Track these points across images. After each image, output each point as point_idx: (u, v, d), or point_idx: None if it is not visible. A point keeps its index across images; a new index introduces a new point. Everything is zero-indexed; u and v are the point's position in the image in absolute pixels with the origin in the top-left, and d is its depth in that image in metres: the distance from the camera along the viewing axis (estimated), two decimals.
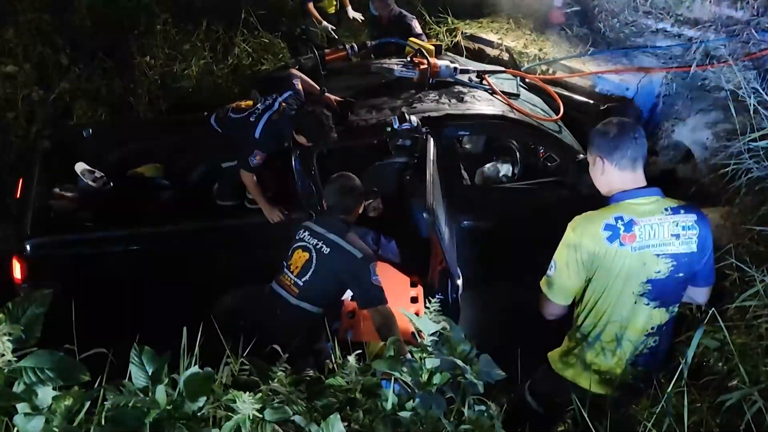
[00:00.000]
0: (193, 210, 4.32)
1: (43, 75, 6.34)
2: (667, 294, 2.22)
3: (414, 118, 3.79)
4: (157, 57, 6.59)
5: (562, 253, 2.25)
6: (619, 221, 2.13)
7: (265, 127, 3.84)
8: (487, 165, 4.79)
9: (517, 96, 4.60)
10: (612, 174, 2.21)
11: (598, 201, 4.23)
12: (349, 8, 6.74)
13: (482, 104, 4.28)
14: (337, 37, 6.25)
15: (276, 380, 1.72)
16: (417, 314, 3.47)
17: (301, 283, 3.07)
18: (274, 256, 3.29)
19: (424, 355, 1.49)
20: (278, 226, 3.91)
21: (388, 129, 3.76)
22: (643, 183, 2.21)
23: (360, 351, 2.13)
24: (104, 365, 1.93)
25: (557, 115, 4.61)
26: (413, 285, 3.83)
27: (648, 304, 2.21)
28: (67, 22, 6.71)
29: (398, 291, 3.69)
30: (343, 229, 3.13)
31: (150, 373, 1.50)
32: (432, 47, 4.71)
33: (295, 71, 4.22)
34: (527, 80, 5.10)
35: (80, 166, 4.48)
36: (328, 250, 3.06)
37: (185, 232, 4.01)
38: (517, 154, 4.78)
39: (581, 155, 4.30)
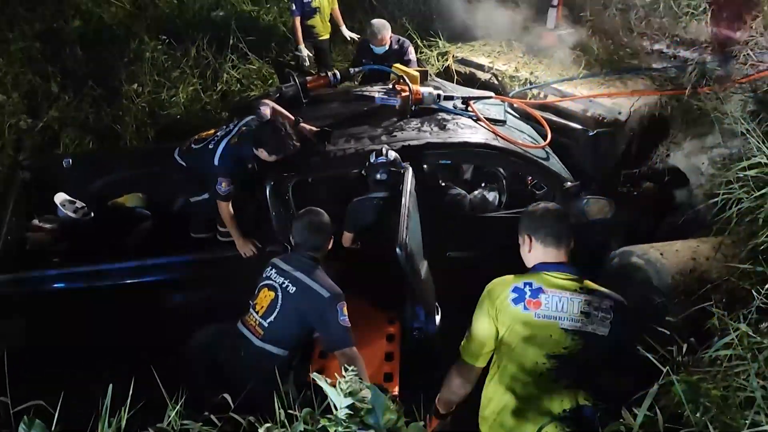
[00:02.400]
0: (169, 242, 4.27)
1: (32, 103, 6.36)
2: (576, 375, 2.24)
3: (392, 153, 3.73)
4: (145, 84, 6.62)
5: (476, 312, 2.35)
6: (528, 286, 2.26)
7: (224, 153, 3.78)
8: (474, 193, 4.69)
9: (503, 122, 4.51)
10: (538, 250, 2.34)
11: (587, 228, 4.16)
12: (343, 27, 6.73)
13: (465, 132, 4.19)
14: (308, 67, 6.20)
15: None
16: (392, 354, 3.42)
17: (266, 324, 2.98)
18: (248, 291, 3.20)
19: (339, 429, 1.38)
20: (253, 261, 3.83)
21: (366, 164, 3.72)
22: (564, 260, 2.33)
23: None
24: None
25: (545, 141, 4.51)
26: (391, 322, 3.71)
27: (556, 381, 2.22)
28: (57, 51, 6.76)
29: (373, 328, 3.58)
30: (311, 266, 3.04)
31: None
32: (417, 74, 4.64)
33: (266, 100, 4.16)
34: (515, 105, 5.01)
35: (60, 197, 4.46)
36: (294, 289, 2.96)
37: (159, 266, 3.93)
38: (504, 181, 4.69)
39: (569, 183, 4.21)
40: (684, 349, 2.45)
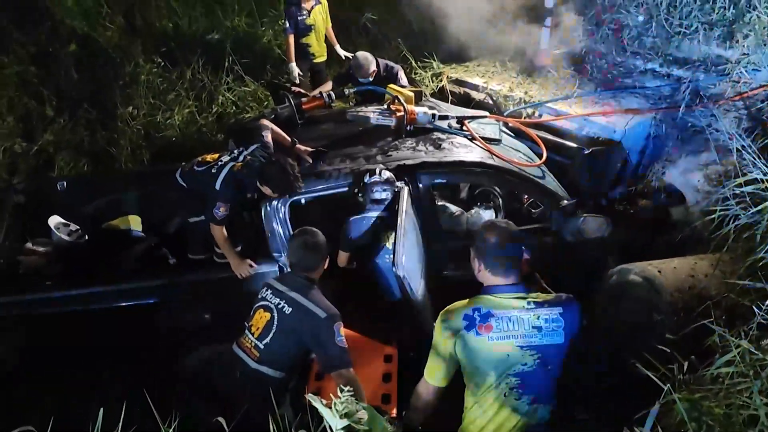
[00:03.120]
0: (166, 264, 4.25)
1: (27, 127, 6.36)
2: (539, 389, 2.35)
3: (385, 172, 3.74)
4: (141, 107, 6.64)
5: (434, 336, 2.40)
6: (476, 312, 2.32)
7: (225, 178, 3.79)
8: (470, 211, 4.69)
9: (498, 141, 4.52)
10: (486, 274, 2.41)
11: (583, 248, 4.14)
12: (337, 46, 6.76)
13: (461, 151, 4.20)
14: (298, 85, 6.21)
15: None
16: (390, 375, 3.39)
17: (262, 346, 2.94)
18: (245, 313, 3.18)
19: None
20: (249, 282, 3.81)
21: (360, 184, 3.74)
22: (512, 281, 2.38)
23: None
24: None
25: (540, 159, 4.52)
26: (388, 342, 3.67)
27: (519, 399, 2.33)
28: (52, 74, 6.77)
29: (371, 349, 3.55)
30: (307, 287, 3.02)
31: None
32: (411, 94, 4.66)
33: (265, 122, 4.17)
34: (510, 125, 5.03)
35: (54, 220, 4.43)
36: (290, 309, 2.94)
37: (153, 288, 3.90)
38: (500, 200, 4.69)
39: (565, 201, 4.21)
40: (685, 367, 2.43)
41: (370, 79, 5.32)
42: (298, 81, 6.39)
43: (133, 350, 3.62)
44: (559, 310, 2.33)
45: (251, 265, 3.82)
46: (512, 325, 2.30)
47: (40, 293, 3.82)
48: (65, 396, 3.30)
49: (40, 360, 3.62)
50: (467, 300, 2.41)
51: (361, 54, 5.42)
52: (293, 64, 6.43)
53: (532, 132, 4.88)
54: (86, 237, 4.42)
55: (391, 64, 5.56)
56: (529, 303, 2.34)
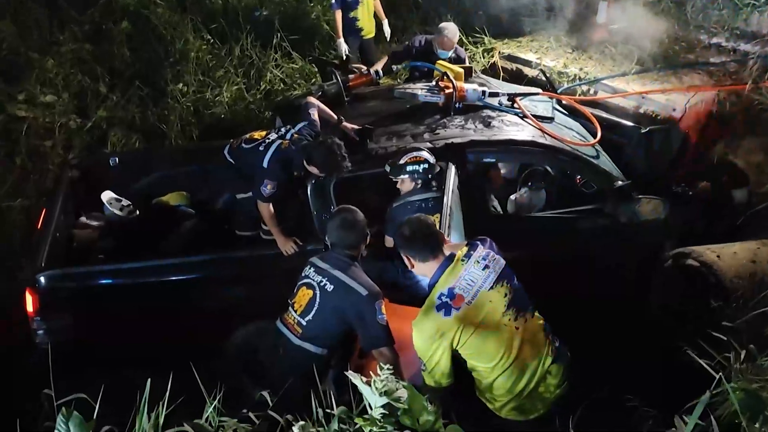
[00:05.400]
0: (214, 239, 4.34)
1: (82, 103, 6.56)
2: (524, 298, 2.70)
3: (424, 154, 3.68)
4: (190, 84, 6.73)
5: (422, 349, 2.61)
6: (442, 296, 2.58)
7: (273, 156, 3.82)
8: (520, 192, 4.63)
9: (551, 119, 4.43)
10: (420, 266, 2.70)
11: (638, 231, 4.05)
12: (385, 22, 6.70)
13: (511, 129, 4.14)
14: (347, 60, 6.16)
15: None
16: None
17: (305, 323, 2.99)
18: (288, 290, 3.22)
19: (374, 428, 1.37)
20: (294, 259, 3.85)
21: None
22: (443, 258, 2.66)
23: None
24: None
25: (595, 138, 4.41)
26: None
27: (524, 314, 2.65)
28: (106, 52, 6.95)
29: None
30: (348, 264, 3.03)
31: None
32: (461, 70, 4.59)
33: (312, 99, 4.18)
34: (564, 102, 4.92)
35: (107, 195, 4.57)
36: (332, 287, 2.97)
37: (204, 263, 3.99)
38: (552, 180, 4.61)
39: (620, 182, 4.11)
40: (742, 356, 2.35)
41: (449, 53, 5.23)
42: (344, 57, 6.37)
43: (181, 325, 3.73)
44: (478, 245, 2.71)
45: (296, 243, 3.86)
46: (470, 280, 2.60)
47: (92, 266, 3.95)
48: (115, 367, 3.42)
49: (92, 333, 3.77)
50: (427, 299, 2.63)
51: (451, 25, 5.30)
52: (341, 40, 6.41)
53: (587, 110, 4.76)
54: (137, 212, 4.55)
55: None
56: (462, 259, 2.65)
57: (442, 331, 2.53)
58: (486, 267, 2.64)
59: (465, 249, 2.71)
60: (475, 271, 2.62)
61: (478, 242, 2.75)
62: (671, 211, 4.10)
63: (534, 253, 3.82)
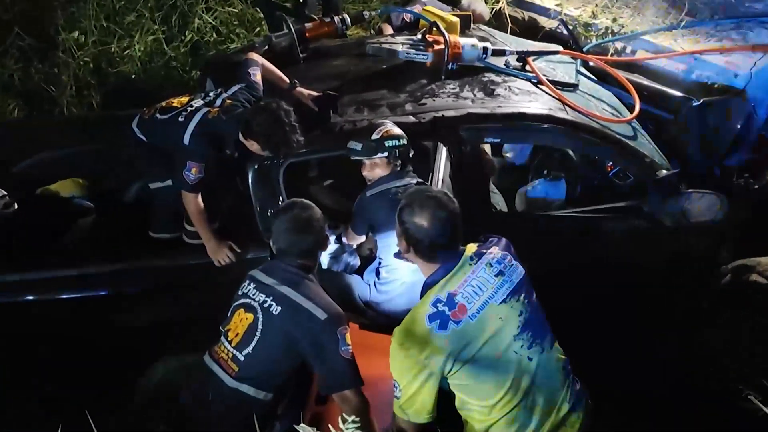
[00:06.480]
0: (120, 244, 4.31)
1: None
2: (542, 323, 2.72)
3: (394, 127, 3.71)
4: (90, 32, 6.68)
5: (400, 370, 2.58)
6: (439, 303, 2.56)
7: (197, 130, 3.79)
8: (532, 183, 4.68)
9: (574, 87, 4.50)
10: (420, 264, 2.74)
11: (687, 235, 4.12)
12: None
13: (522, 99, 4.18)
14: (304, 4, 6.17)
15: None
16: None
17: (242, 358, 2.98)
18: (220, 314, 3.23)
19: None
20: (230, 271, 3.85)
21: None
22: (451, 259, 2.66)
23: None
24: None
25: (632, 113, 4.48)
26: None
27: (540, 349, 2.64)
28: None
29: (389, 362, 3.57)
30: (300, 278, 3.05)
31: None
32: (456, 19, 4.63)
33: (254, 56, 4.18)
34: (591, 64, 4.98)
35: None
36: (279, 309, 2.97)
37: (106, 275, 3.97)
38: (574, 168, 4.67)
39: (664, 171, 4.17)
40: None
41: None
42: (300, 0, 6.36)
43: (77, 357, 3.70)
44: (494, 247, 2.72)
45: (233, 249, 3.85)
46: (479, 288, 2.59)
47: None
48: None
49: None
50: (415, 306, 2.65)
51: None
52: None
53: (622, 75, 4.82)
54: (15, 205, 4.51)
55: None
56: (471, 259, 2.66)
57: (431, 349, 2.49)
58: (500, 273, 2.64)
59: (474, 246, 2.72)
60: (485, 276, 2.62)
61: (494, 239, 2.78)
62: (730, 210, 4.18)
63: (548, 265, 3.87)
